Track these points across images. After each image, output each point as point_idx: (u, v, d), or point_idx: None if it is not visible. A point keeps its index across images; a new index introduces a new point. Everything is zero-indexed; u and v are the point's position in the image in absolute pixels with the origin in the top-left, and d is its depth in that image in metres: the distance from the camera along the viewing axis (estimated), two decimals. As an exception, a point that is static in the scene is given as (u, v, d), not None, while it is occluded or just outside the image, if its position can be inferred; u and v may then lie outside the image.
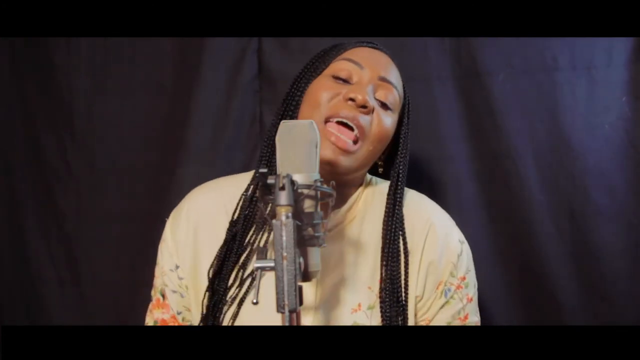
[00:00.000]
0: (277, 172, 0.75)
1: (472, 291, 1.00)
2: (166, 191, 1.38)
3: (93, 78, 1.43)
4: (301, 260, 0.68)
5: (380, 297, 0.92)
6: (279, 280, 0.66)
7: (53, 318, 1.45)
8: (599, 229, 1.33)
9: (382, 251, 0.94)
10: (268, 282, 0.70)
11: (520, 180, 1.34)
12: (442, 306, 0.98)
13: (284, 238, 0.66)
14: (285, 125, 0.78)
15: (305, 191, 0.74)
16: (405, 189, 1.01)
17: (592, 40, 1.32)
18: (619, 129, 1.32)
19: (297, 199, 0.72)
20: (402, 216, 0.97)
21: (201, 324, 0.93)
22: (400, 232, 0.96)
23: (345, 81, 0.93)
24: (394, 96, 0.94)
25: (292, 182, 0.70)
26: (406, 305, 0.94)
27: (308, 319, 0.92)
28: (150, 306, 1.03)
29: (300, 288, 0.70)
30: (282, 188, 0.68)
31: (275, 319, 0.66)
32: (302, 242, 0.73)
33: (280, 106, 0.98)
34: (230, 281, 0.93)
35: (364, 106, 0.89)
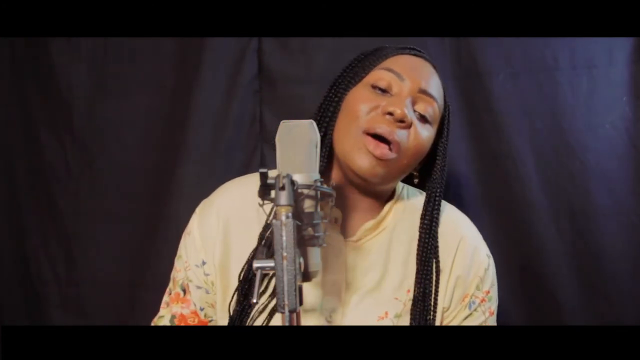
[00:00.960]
0: (277, 172, 0.75)
1: (494, 305, 1.00)
2: (166, 191, 1.38)
3: (93, 78, 1.43)
4: (301, 260, 0.68)
5: (411, 314, 0.92)
6: (279, 280, 0.66)
7: (53, 318, 1.45)
8: (599, 229, 1.32)
9: (417, 270, 0.93)
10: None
11: (520, 180, 1.34)
12: (466, 317, 0.97)
13: (284, 238, 0.66)
14: (285, 125, 0.78)
15: (305, 191, 0.74)
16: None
17: (593, 40, 1.32)
18: (620, 128, 1.32)
19: (297, 199, 0.72)
20: (437, 235, 0.96)
21: None
22: (434, 256, 0.95)
23: (385, 91, 0.91)
24: (433, 109, 0.92)
25: (292, 182, 0.70)
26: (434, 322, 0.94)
27: (336, 323, 0.91)
28: (166, 299, 1.00)
29: (300, 288, 0.70)
30: (282, 188, 0.69)
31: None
32: (302, 242, 0.73)
33: (317, 111, 0.96)
34: (262, 288, 0.90)
35: (401, 120, 0.87)
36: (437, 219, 0.96)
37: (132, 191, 1.42)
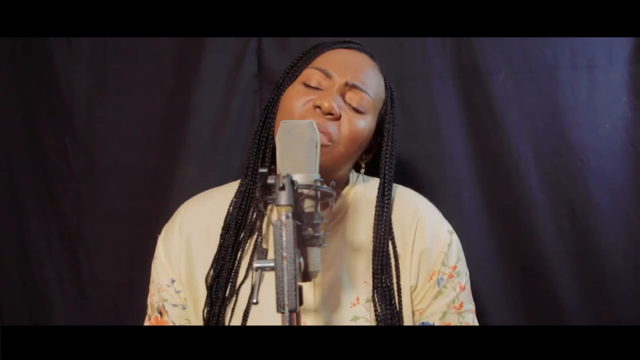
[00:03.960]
0: (277, 172, 0.75)
1: (465, 279, 1.01)
2: (166, 191, 1.38)
3: (93, 78, 1.43)
4: (301, 260, 0.68)
5: (373, 304, 0.92)
6: (279, 280, 0.66)
7: (53, 318, 1.45)
8: (599, 229, 1.32)
9: (373, 258, 0.94)
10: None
11: (520, 180, 1.34)
12: (436, 296, 0.98)
13: (284, 238, 0.66)
14: (285, 125, 0.78)
15: (305, 191, 0.74)
16: (394, 185, 1.02)
17: (593, 40, 1.32)
18: (620, 128, 1.32)
19: (297, 199, 0.72)
20: (390, 220, 0.96)
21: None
22: (390, 238, 0.95)
23: (316, 88, 0.94)
24: (365, 100, 0.94)
25: (292, 182, 0.70)
26: (401, 313, 0.94)
27: (309, 318, 0.93)
28: (146, 323, 1.04)
29: (300, 288, 0.70)
30: (282, 188, 0.68)
31: (276, 322, 0.66)
32: (302, 242, 0.73)
33: (262, 112, 0.99)
34: (229, 290, 0.93)
35: (329, 113, 0.90)
36: (389, 204, 0.96)
37: (132, 191, 1.42)
